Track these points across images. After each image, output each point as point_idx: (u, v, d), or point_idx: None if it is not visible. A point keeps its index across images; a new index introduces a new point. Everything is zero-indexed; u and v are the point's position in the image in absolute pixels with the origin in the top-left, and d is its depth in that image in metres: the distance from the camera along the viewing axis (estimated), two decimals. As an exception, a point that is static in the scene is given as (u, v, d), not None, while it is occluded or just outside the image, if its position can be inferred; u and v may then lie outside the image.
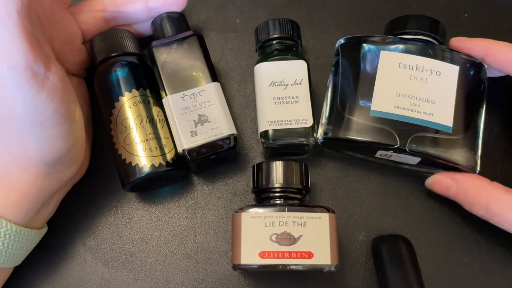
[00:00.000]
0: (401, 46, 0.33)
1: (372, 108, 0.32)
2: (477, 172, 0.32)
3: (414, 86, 0.32)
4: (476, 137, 0.32)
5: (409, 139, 0.31)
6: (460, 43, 0.34)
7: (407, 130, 0.31)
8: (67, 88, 0.28)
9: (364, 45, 0.33)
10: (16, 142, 0.28)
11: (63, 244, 0.35)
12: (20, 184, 0.29)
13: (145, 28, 0.38)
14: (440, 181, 0.33)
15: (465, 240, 0.35)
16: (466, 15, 0.42)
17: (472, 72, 0.33)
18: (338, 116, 0.32)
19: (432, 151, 0.31)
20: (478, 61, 0.33)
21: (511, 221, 0.30)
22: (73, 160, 0.30)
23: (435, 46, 0.33)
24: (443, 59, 0.33)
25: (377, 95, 0.32)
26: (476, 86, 0.33)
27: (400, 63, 0.33)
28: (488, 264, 0.34)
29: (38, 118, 0.26)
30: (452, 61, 0.33)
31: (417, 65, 0.32)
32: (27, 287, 0.34)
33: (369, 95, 0.32)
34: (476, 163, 0.32)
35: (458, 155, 0.31)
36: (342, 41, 0.35)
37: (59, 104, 0.26)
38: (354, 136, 0.32)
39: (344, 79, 0.33)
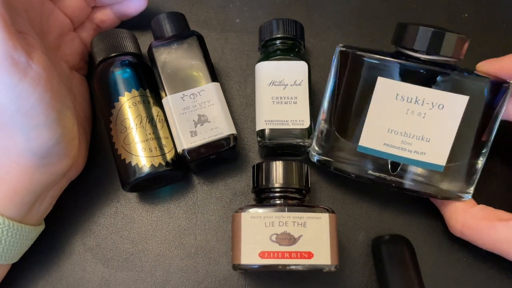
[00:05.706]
0: (402, 69, 0.29)
1: (360, 144, 0.30)
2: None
3: (409, 122, 0.29)
4: (475, 172, 0.31)
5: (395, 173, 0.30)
6: (489, 66, 0.30)
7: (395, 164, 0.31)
8: (52, 77, 0.27)
9: (365, 60, 0.30)
10: (2, 133, 0.28)
11: (63, 244, 0.35)
12: (11, 177, 0.29)
13: (127, 7, 0.38)
14: None
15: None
16: (466, 15, 0.42)
17: (485, 99, 0.29)
18: (327, 141, 0.32)
19: (418, 187, 0.31)
20: (497, 82, 0.29)
21: (485, 245, 0.30)
22: (65, 153, 0.30)
23: (444, 70, 0.29)
24: (452, 88, 0.28)
25: (367, 129, 0.30)
26: (487, 114, 0.30)
27: (397, 94, 0.29)
28: (488, 264, 0.34)
29: (22, 107, 0.26)
30: (463, 89, 0.28)
31: (417, 97, 0.29)
32: (27, 287, 0.34)
33: (359, 126, 0.30)
34: (469, 193, 0.31)
35: (447, 191, 0.31)
36: (338, 49, 0.31)
37: (43, 93, 0.26)
38: (340, 167, 0.32)
39: (335, 102, 0.32)
